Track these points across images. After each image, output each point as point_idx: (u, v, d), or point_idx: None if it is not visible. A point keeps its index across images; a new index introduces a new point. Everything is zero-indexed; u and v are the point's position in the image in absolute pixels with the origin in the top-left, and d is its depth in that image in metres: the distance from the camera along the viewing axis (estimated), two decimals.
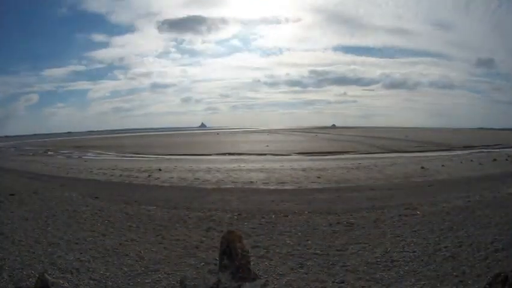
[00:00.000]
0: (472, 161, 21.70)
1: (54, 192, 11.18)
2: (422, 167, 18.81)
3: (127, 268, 4.80)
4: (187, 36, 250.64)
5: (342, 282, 4.49)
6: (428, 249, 5.42)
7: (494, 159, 21.80)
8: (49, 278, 3.84)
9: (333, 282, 4.53)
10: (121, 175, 18.41)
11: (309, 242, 6.34)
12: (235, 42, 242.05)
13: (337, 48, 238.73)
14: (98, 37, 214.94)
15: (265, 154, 31.41)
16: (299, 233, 6.96)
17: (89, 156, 35.78)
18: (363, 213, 8.54)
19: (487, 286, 3.22)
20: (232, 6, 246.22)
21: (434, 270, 4.59)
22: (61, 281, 4.09)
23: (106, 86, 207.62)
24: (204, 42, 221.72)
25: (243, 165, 22.03)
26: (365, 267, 4.96)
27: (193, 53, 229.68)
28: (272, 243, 6.30)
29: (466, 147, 34.26)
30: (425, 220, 7.28)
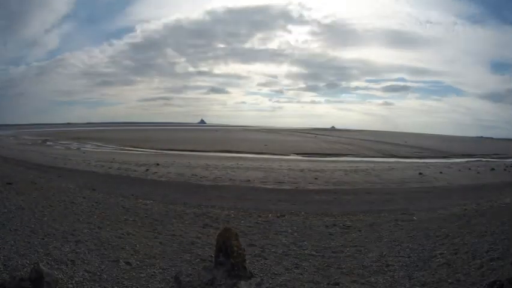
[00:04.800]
0: (469, 169, 21.75)
1: (52, 183, 11.15)
2: (420, 173, 18.84)
3: (123, 261, 4.79)
4: None
5: (337, 284, 4.50)
6: (423, 255, 5.43)
7: (492, 169, 21.86)
8: (44, 268, 3.82)
9: (328, 284, 4.53)
10: (118, 168, 18.38)
11: (305, 242, 6.35)
12: None
13: None
14: None
15: (263, 153, 31.41)
16: (295, 233, 6.96)
17: (88, 148, 35.72)
18: (360, 216, 8.55)
19: None
20: None
21: (429, 277, 4.59)
22: (56, 272, 4.07)
23: None
24: None
25: (240, 163, 22.02)
26: (360, 270, 4.97)
27: None
28: (268, 242, 6.30)
29: (464, 156, 34.35)
30: (421, 226, 7.29)
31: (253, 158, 27.10)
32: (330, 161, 26.67)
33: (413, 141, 56.12)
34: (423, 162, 26.12)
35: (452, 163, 26.31)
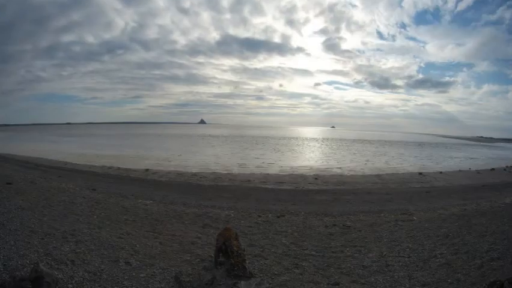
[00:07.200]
0: (469, 169, 21.76)
1: (52, 183, 11.14)
2: (420, 173, 18.85)
3: (122, 261, 4.78)
4: None
5: (337, 284, 4.50)
6: (423, 255, 5.43)
7: (492, 169, 21.88)
8: (44, 268, 3.82)
9: (328, 284, 4.53)
10: (119, 168, 18.40)
11: (305, 242, 6.35)
12: None
13: None
14: None
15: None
16: (295, 234, 6.96)
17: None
18: (360, 216, 8.55)
19: None
20: None
21: (429, 277, 4.59)
22: (56, 272, 4.07)
23: None
24: None
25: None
26: (360, 270, 4.96)
27: None
28: (268, 242, 6.30)
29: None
30: (421, 226, 7.29)
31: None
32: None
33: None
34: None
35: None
